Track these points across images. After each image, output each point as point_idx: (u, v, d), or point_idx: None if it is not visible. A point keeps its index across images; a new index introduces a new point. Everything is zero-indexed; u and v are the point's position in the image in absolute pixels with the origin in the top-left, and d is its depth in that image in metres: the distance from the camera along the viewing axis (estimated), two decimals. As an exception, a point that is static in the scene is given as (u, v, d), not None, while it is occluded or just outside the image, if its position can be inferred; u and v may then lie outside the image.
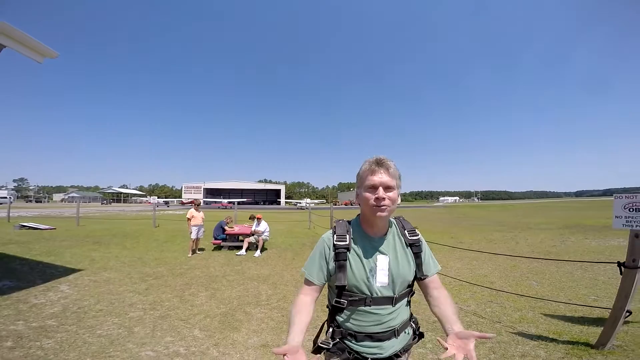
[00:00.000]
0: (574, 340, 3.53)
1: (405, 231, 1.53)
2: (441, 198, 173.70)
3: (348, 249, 1.43)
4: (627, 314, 3.19)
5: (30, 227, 14.44)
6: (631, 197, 3.32)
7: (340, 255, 1.42)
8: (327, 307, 1.55)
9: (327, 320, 1.54)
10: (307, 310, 1.42)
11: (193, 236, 9.18)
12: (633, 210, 3.26)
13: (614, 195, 3.48)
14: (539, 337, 3.65)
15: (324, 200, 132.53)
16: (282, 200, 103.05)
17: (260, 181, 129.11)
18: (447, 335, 1.33)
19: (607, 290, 5.31)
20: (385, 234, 1.49)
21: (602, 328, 3.37)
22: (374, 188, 1.38)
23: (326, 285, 1.55)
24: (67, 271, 6.90)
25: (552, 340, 3.58)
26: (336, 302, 1.43)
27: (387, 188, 1.37)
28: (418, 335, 1.56)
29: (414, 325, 1.55)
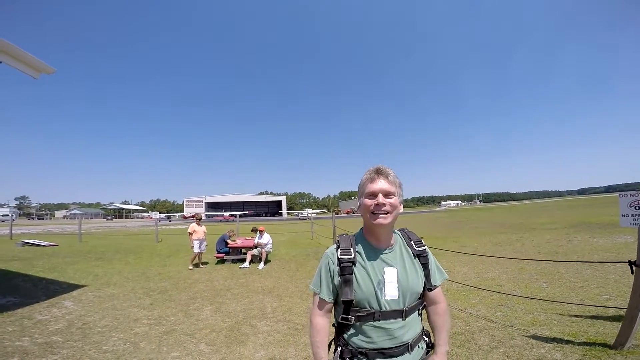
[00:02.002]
0: (591, 342, 3.45)
1: (412, 242, 1.51)
2: (443, 202, 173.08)
3: (353, 263, 1.39)
4: (644, 312, 3.12)
5: (32, 244, 14.39)
6: (636, 194, 3.29)
7: (345, 270, 1.37)
8: (333, 325, 1.49)
9: (334, 339, 1.49)
10: (327, 337, 1.46)
11: (196, 250, 9.19)
12: (639, 209, 3.22)
13: (619, 193, 3.44)
14: (554, 340, 3.57)
15: (326, 210, 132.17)
16: (284, 211, 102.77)
17: (261, 193, 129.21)
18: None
19: (619, 289, 5.23)
20: (391, 245, 1.46)
21: (618, 328, 3.30)
22: (373, 195, 1.39)
23: None
24: (70, 287, 6.86)
25: (568, 342, 3.50)
26: (343, 319, 1.38)
27: (387, 195, 1.38)
28: (431, 347, 1.53)
29: (426, 338, 1.52)
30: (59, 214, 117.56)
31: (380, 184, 1.38)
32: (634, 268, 3.21)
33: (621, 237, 10.66)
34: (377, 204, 1.36)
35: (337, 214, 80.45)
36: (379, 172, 1.42)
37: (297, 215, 75.17)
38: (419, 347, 1.44)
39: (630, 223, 3.28)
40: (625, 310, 3.27)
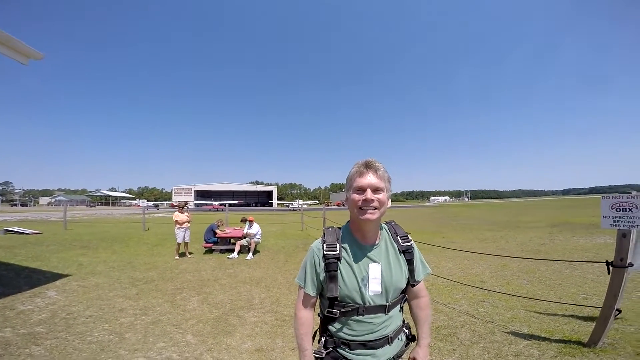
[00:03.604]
0: (566, 339, 3.57)
1: (398, 237, 1.51)
2: (432, 198, 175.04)
3: (339, 259, 1.39)
4: (617, 312, 3.24)
5: (15, 232, 14.03)
6: (618, 197, 3.37)
7: (330, 266, 1.38)
8: (319, 315, 1.53)
9: (318, 329, 1.52)
10: (311, 326, 1.49)
11: (179, 240, 9.18)
12: (620, 210, 3.31)
13: (602, 195, 3.52)
14: (532, 336, 3.70)
15: (317, 201, 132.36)
16: (274, 201, 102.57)
17: (251, 183, 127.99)
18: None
19: (596, 289, 5.41)
20: (377, 240, 1.46)
21: (593, 326, 3.43)
22: (361, 190, 1.36)
23: None
24: (54, 276, 6.74)
25: (545, 339, 3.62)
26: (328, 312, 1.41)
27: (376, 190, 1.35)
28: (410, 339, 1.57)
29: (406, 330, 1.55)
30: (43, 200, 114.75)
31: (369, 179, 1.35)
32: (610, 268, 3.31)
33: (601, 237, 11.01)
34: (365, 200, 1.34)
35: (328, 205, 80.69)
36: (368, 166, 1.39)
37: (288, 206, 75.04)
38: (398, 339, 1.48)
39: (611, 224, 3.37)
40: (600, 309, 3.39)
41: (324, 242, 1.44)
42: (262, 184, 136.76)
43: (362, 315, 1.37)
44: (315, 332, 1.54)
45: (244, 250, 9.61)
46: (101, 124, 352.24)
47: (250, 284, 6.35)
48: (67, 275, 6.85)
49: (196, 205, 76.10)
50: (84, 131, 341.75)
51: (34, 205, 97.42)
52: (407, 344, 1.55)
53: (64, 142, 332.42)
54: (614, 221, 3.36)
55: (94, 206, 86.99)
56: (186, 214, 9.53)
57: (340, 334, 1.40)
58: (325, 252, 1.41)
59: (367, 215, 1.34)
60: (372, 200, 1.33)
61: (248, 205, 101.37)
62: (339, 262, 1.39)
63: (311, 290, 1.45)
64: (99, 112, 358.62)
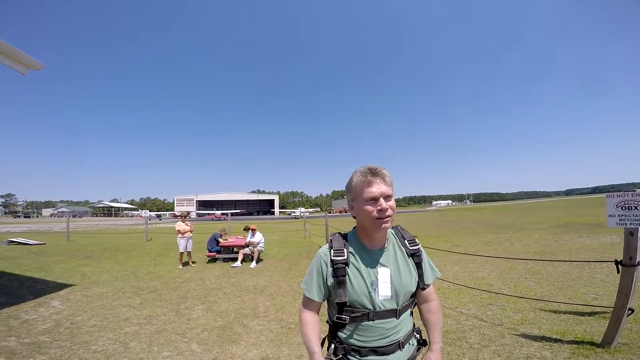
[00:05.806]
0: (579, 340, 3.51)
1: (406, 241, 1.49)
2: (434, 202, 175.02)
3: (347, 264, 1.37)
4: (630, 312, 3.19)
5: (19, 243, 14.08)
6: (622, 195, 3.34)
7: (338, 271, 1.35)
8: (327, 322, 1.49)
9: (327, 336, 1.49)
10: (318, 328, 1.46)
11: (181, 249, 9.20)
12: (625, 209, 3.28)
13: (606, 194, 3.50)
14: (543, 338, 3.63)
15: (319, 209, 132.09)
16: (276, 210, 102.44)
17: (253, 192, 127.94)
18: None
19: (606, 288, 5.34)
20: (385, 244, 1.44)
21: (605, 326, 3.37)
22: (374, 200, 1.31)
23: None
24: (58, 286, 6.73)
25: (557, 340, 3.55)
26: (337, 318, 1.38)
27: (387, 197, 1.33)
28: (422, 343, 1.54)
29: (417, 335, 1.53)
30: (46, 212, 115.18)
31: (380, 187, 1.32)
32: (620, 267, 3.27)
33: (607, 236, 10.89)
34: (380, 210, 1.30)
35: (330, 213, 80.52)
36: (375, 174, 1.34)
37: (290, 214, 74.90)
38: (409, 344, 1.45)
39: (617, 223, 3.34)
40: (611, 309, 3.34)
41: (331, 248, 1.42)
42: (263, 192, 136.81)
43: (373, 320, 1.34)
44: (324, 339, 1.51)
45: (247, 258, 9.57)
46: (103, 134, 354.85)
47: (254, 292, 6.30)
48: (70, 285, 6.83)
49: (198, 215, 76.11)
50: (86, 142, 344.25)
51: (37, 217, 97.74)
52: (418, 349, 1.52)
53: (66, 154, 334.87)
54: (620, 219, 3.33)
55: (81, 216, 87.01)
56: (188, 223, 9.55)
57: (351, 340, 1.37)
58: (332, 258, 1.39)
59: (385, 225, 1.32)
60: (387, 209, 1.31)
61: (250, 214, 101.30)
62: (347, 267, 1.37)
63: (317, 296, 1.43)
64: (100, 122, 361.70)
